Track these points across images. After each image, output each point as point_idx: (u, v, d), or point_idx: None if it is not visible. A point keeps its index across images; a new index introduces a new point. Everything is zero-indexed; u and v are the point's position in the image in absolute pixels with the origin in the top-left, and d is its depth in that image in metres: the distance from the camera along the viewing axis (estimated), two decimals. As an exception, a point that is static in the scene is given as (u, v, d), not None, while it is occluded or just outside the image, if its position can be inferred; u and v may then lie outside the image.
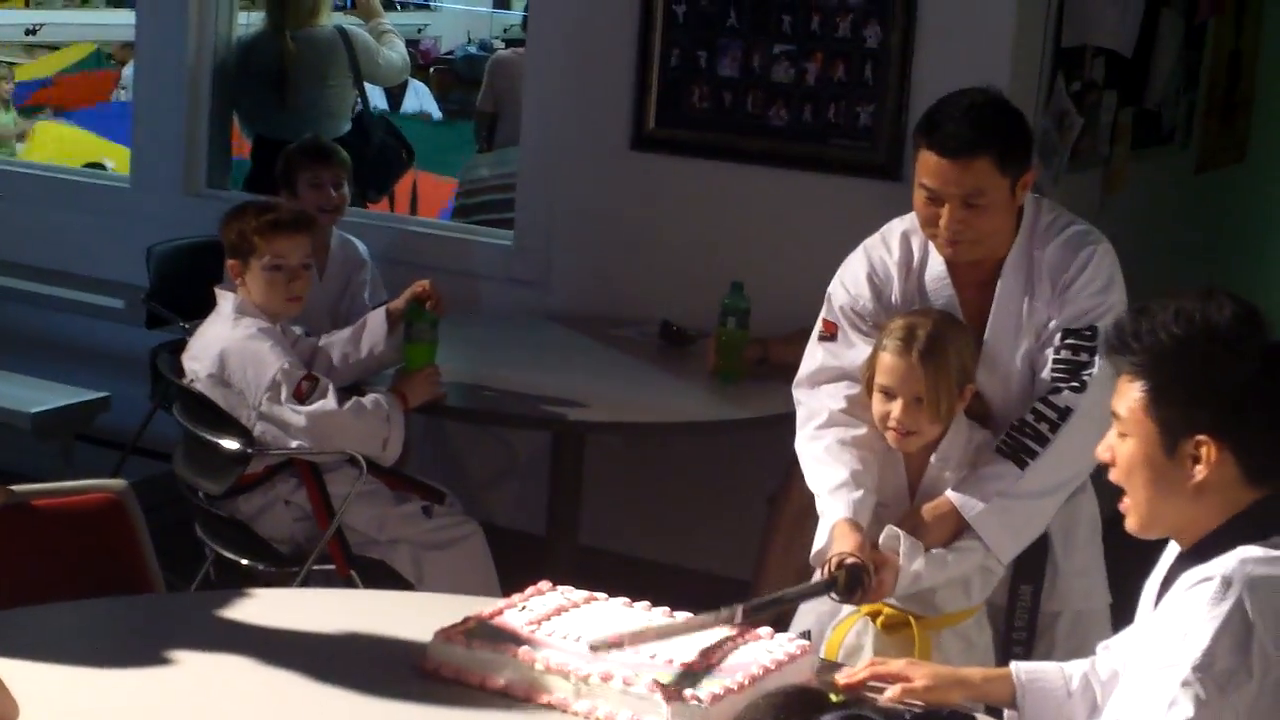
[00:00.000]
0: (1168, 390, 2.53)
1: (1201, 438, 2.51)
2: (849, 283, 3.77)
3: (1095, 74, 6.00)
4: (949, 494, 3.60)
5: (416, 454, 5.63)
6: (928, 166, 3.59)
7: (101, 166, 9.89)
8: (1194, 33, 6.76)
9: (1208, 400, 2.52)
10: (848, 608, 3.66)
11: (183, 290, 5.67)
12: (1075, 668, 2.87)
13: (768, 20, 5.72)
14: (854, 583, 3.41)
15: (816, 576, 3.63)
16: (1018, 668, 2.89)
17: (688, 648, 2.89)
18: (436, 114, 12.44)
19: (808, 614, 3.82)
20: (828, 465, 3.62)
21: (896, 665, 2.94)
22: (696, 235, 5.91)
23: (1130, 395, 2.57)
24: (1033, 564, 3.76)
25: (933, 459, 3.64)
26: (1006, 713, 2.87)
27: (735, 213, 5.85)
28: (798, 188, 5.73)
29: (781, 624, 3.71)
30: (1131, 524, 2.62)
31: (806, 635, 3.60)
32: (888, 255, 3.75)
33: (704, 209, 5.90)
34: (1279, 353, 2.53)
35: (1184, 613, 2.47)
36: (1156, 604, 2.62)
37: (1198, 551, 2.54)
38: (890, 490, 3.65)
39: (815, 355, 3.80)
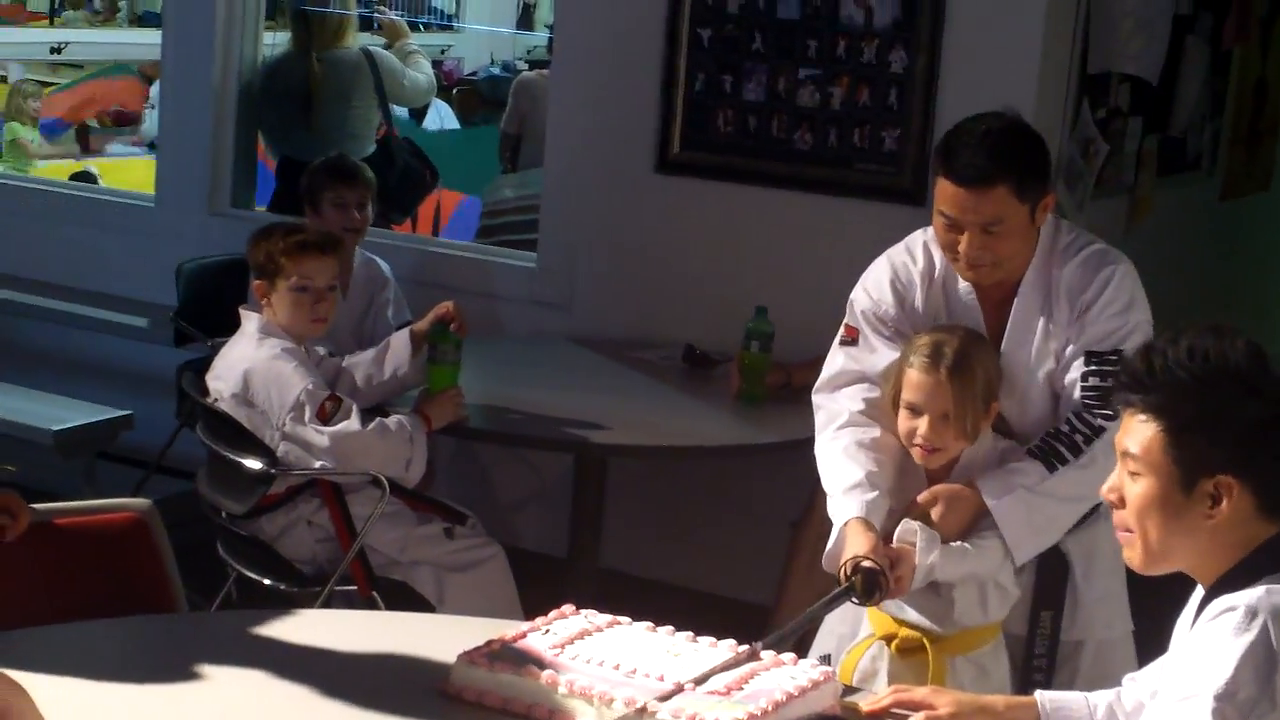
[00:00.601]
0: (1187, 430, 2.51)
1: (1223, 478, 2.50)
2: (872, 289, 3.77)
3: (1121, 101, 5.99)
4: (976, 483, 3.59)
5: (443, 477, 5.64)
6: (945, 195, 3.58)
7: (91, 178, 9.89)
8: (1219, 60, 6.75)
9: (1227, 440, 2.50)
10: (865, 631, 3.65)
11: (210, 308, 5.67)
12: (1100, 698, 2.86)
13: (793, 45, 5.72)
14: (871, 585, 3.39)
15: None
16: (1042, 696, 2.88)
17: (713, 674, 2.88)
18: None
19: (827, 637, 3.81)
20: (843, 465, 3.61)
21: (920, 693, 2.93)
22: (720, 259, 5.91)
23: (1144, 434, 2.54)
24: (1053, 590, 3.75)
25: (956, 469, 3.63)
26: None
27: (759, 237, 5.85)
28: (822, 212, 5.73)
29: (802, 647, 3.72)
30: (1136, 561, 2.61)
31: (827, 659, 3.60)
32: (911, 263, 3.75)
33: (728, 233, 5.90)
34: None
35: (1208, 642, 2.46)
36: None
37: (1222, 587, 2.53)
38: (910, 500, 3.64)
39: (836, 360, 3.79)
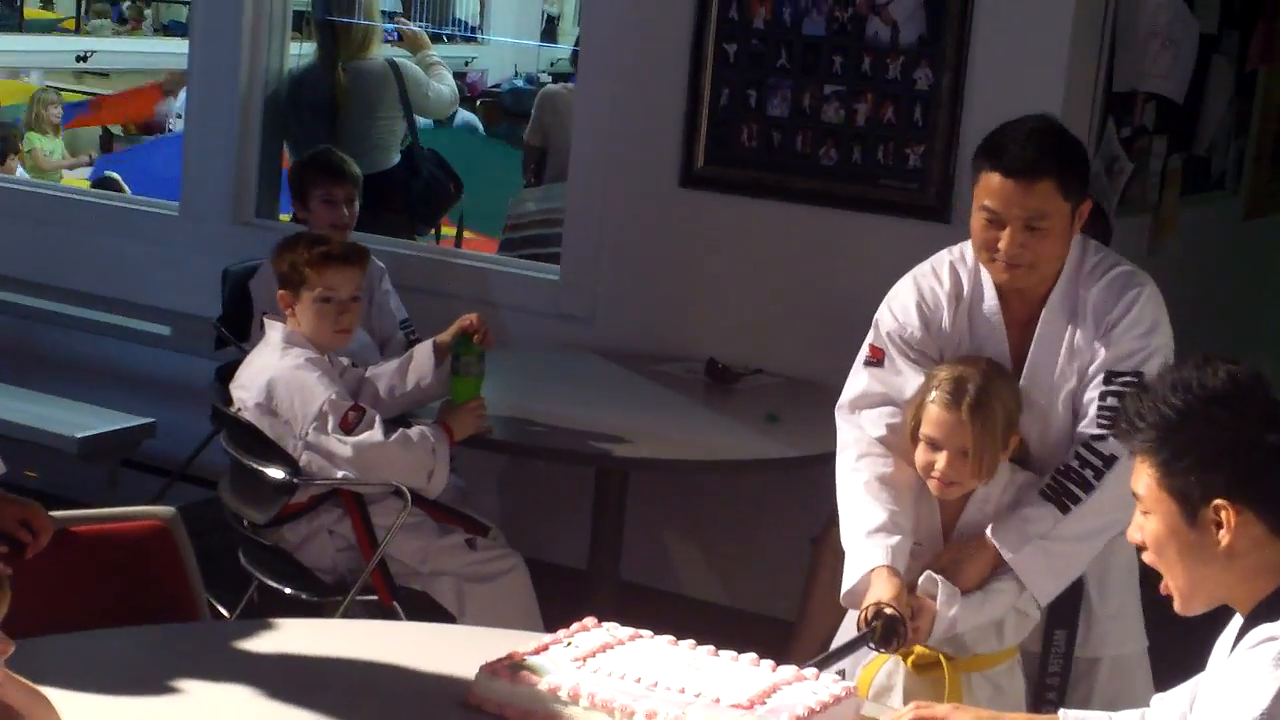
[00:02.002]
0: (1177, 461, 2.53)
1: (1219, 502, 2.51)
2: (898, 311, 3.77)
3: (1146, 119, 5.99)
4: (988, 534, 3.59)
5: (471, 489, 5.64)
6: (990, 188, 3.59)
7: (116, 186, 9.93)
8: (1245, 80, 6.75)
9: (1218, 464, 2.51)
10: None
11: (243, 314, 5.70)
12: (1124, 718, 2.85)
13: (818, 61, 5.73)
14: (890, 633, 3.40)
15: (849, 618, 3.63)
16: (1066, 716, 2.87)
17: (733, 689, 2.89)
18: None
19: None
20: (866, 505, 3.61)
21: (941, 710, 2.92)
22: (743, 273, 5.91)
23: (1144, 474, 2.57)
24: (1067, 609, 3.74)
25: (971, 500, 3.63)
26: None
27: (783, 252, 5.85)
28: (846, 228, 5.73)
29: (798, 656, 3.71)
30: (1177, 605, 2.62)
31: (843, 674, 3.60)
32: (938, 285, 3.75)
33: (751, 247, 5.90)
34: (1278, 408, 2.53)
35: (1246, 671, 2.45)
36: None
37: (1261, 615, 2.53)
38: (925, 530, 3.65)
39: (860, 380, 3.78)
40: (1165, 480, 2.54)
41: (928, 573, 3.50)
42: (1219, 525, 2.51)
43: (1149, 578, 3.72)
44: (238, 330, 5.75)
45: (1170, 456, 2.53)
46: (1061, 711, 2.89)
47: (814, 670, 3.03)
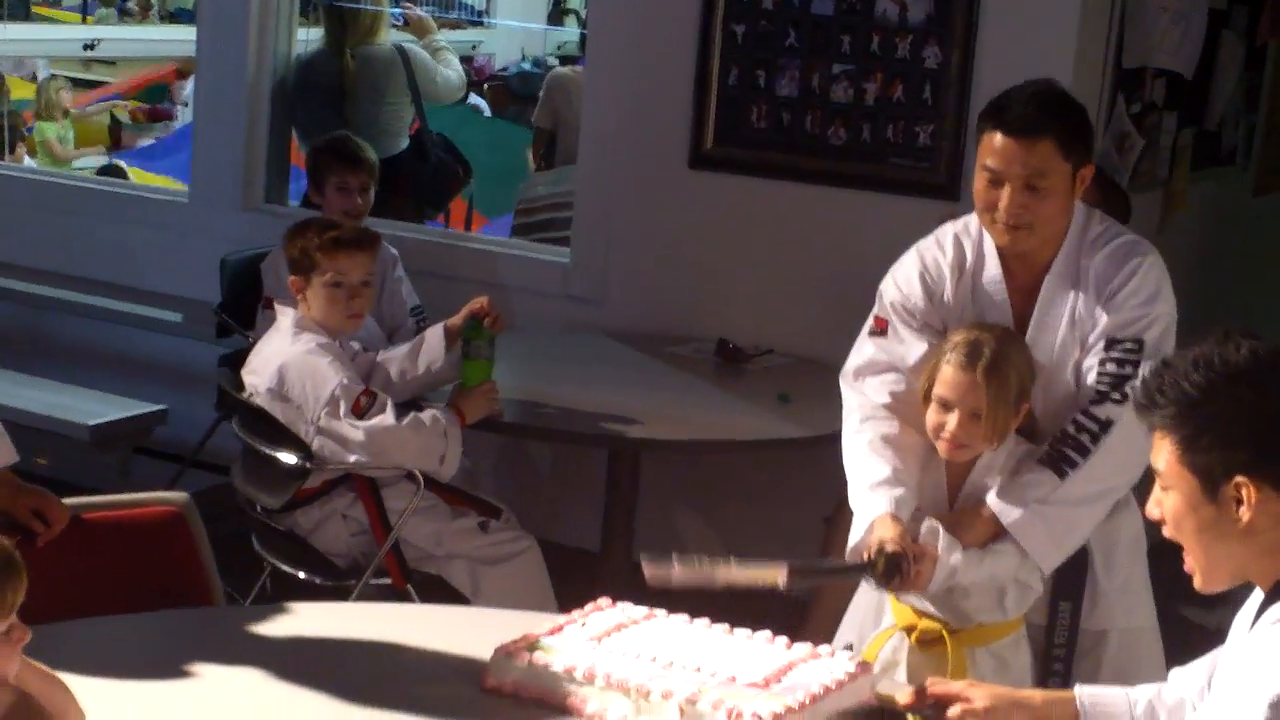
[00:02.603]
0: (1199, 438, 2.52)
1: (1240, 479, 2.49)
2: (901, 281, 3.79)
3: (1156, 95, 5.98)
4: (988, 499, 3.60)
5: (483, 472, 5.64)
6: (992, 147, 3.61)
7: (120, 173, 9.92)
8: (1254, 55, 6.73)
9: (1239, 441, 2.50)
10: (887, 621, 3.65)
11: (254, 300, 5.71)
12: (1141, 693, 2.85)
13: (827, 40, 5.72)
14: (892, 569, 3.41)
15: (859, 596, 3.64)
16: (1081, 691, 2.87)
17: (749, 667, 2.89)
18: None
19: (849, 628, 3.84)
20: (870, 460, 3.63)
21: (956, 686, 2.92)
22: (754, 254, 5.91)
23: (1165, 449, 2.56)
24: (1072, 580, 3.74)
25: (975, 467, 3.63)
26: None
27: (792, 232, 5.85)
28: (855, 207, 5.73)
29: (826, 636, 3.71)
30: (1197, 582, 2.61)
31: (849, 648, 3.61)
32: (941, 256, 3.76)
33: (761, 228, 5.90)
34: None
35: (1266, 647, 2.45)
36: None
37: None
38: (929, 497, 3.65)
39: (864, 349, 3.81)
40: (1186, 456, 2.53)
41: (929, 523, 3.51)
42: (1239, 502, 2.50)
43: (1161, 552, 3.74)
44: (240, 318, 5.75)
45: (1191, 433, 2.52)
46: (1077, 687, 2.88)
47: (801, 585, 3.07)
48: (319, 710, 2.90)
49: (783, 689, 2.83)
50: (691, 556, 3.17)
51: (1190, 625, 4.16)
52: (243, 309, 5.77)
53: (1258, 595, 2.62)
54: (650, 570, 3.09)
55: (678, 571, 3.02)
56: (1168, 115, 6.10)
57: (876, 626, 3.72)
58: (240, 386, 4.77)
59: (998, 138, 3.60)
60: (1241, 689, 2.45)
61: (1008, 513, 3.56)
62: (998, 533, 3.57)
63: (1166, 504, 2.58)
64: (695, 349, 5.72)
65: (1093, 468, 3.58)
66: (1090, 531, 3.67)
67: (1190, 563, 2.60)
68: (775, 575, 3.12)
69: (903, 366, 3.73)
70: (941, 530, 3.49)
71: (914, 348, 3.72)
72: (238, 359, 4.97)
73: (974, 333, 3.60)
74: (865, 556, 3.45)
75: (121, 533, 3.55)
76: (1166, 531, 2.60)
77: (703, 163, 5.96)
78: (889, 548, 3.42)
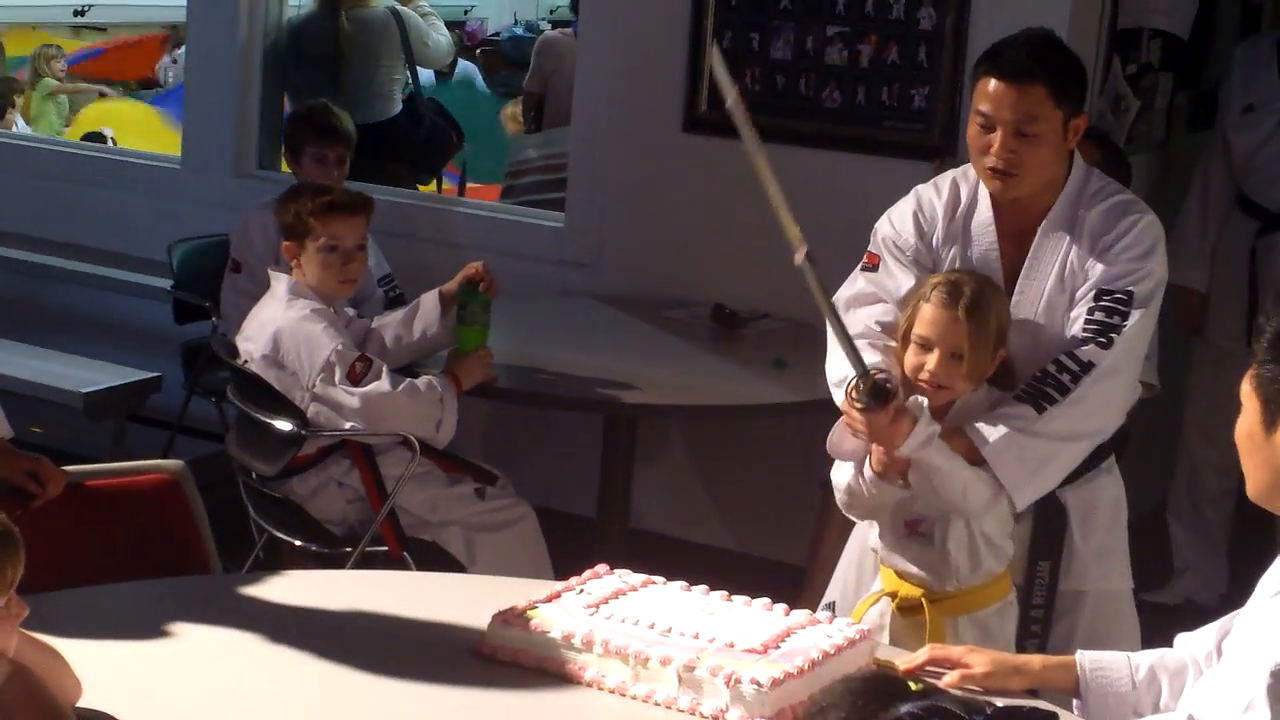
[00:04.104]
0: (1273, 368, 2.50)
1: None
2: (895, 219, 3.81)
3: (1152, 56, 5.96)
4: (965, 427, 3.57)
5: (474, 438, 5.63)
6: (984, 91, 3.62)
7: (101, 138, 9.89)
8: (1250, 16, 6.70)
9: None
10: (875, 586, 3.64)
11: (214, 283, 5.74)
12: (1143, 658, 2.84)
13: (821, 2, 5.69)
14: (879, 391, 3.37)
15: (852, 556, 3.63)
16: (1082, 656, 2.86)
17: (747, 634, 2.88)
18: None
19: (833, 586, 3.83)
20: (851, 354, 3.56)
21: (957, 651, 2.92)
22: (748, 218, 5.86)
23: (1251, 371, 2.55)
24: (1050, 540, 3.74)
25: (952, 412, 3.61)
26: (1075, 703, 2.85)
27: (788, 195, 5.81)
28: (850, 170, 5.71)
29: (811, 598, 3.70)
30: (1249, 489, 2.59)
31: (832, 607, 3.61)
32: (936, 197, 3.78)
33: (756, 191, 5.84)
34: None
35: (1276, 615, 2.43)
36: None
37: None
38: None
39: (855, 283, 3.82)
40: (1259, 381, 2.50)
41: (914, 396, 3.48)
42: None
43: (1148, 523, 3.72)
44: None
45: (1272, 361, 2.50)
46: (1078, 653, 2.87)
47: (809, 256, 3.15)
48: (315, 678, 2.89)
49: (781, 655, 2.82)
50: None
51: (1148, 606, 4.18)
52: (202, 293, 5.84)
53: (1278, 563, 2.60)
54: (722, 72, 3.31)
55: (735, 102, 3.18)
56: (1164, 77, 6.08)
57: (862, 588, 3.72)
58: (235, 353, 4.75)
59: (990, 82, 3.62)
60: (1248, 657, 2.43)
61: (983, 439, 3.54)
62: (973, 461, 3.55)
63: (1239, 423, 2.56)
64: (691, 313, 5.71)
65: (1071, 405, 3.56)
66: (1063, 474, 3.65)
67: (1245, 472, 2.58)
68: (798, 247, 3.24)
69: (891, 299, 3.73)
70: (924, 408, 3.46)
71: (904, 281, 3.73)
72: (202, 345, 4.93)
73: (954, 275, 3.61)
74: (851, 389, 3.40)
75: (117, 501, 3.54)
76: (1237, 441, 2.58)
77: (697, 126, 5.94)
78: (879, 375, 3.40)
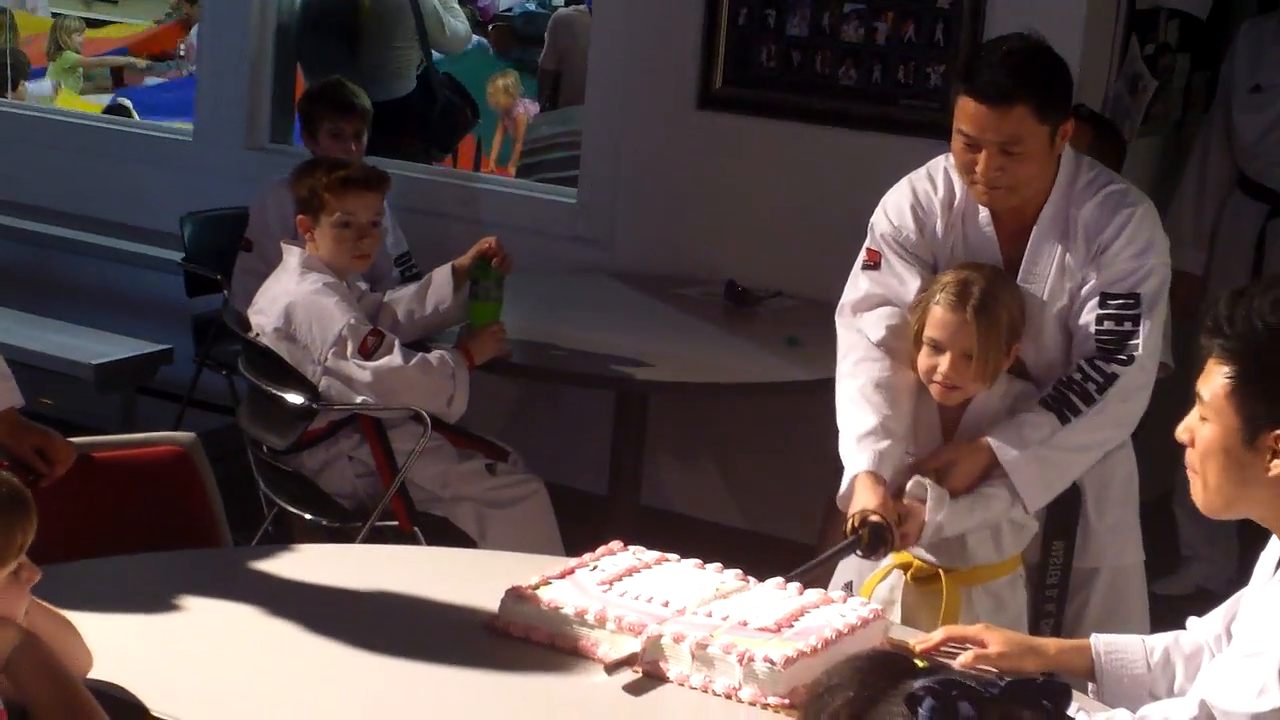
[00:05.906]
0: (1254, 380, 2.44)
1: None
2: (892, 213, 3.76)
3: (1169, 37, 5.93)
4: (988, 438, 3.57)
5: (486, 413, 5.62)
6: (966, 113, 3.56)
7: (125, 111, 9.88)
8: (1267, -4, 6.68)
9: None
10: (885, 560, 3.64)
11: (225, 256, 5.73)
12: (1157, 641, 2.83)
13: (838, -22, 5.67)
14: (877, 540, 3.40)
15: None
16: (1097, 640, 2.85)
17: (760, 612, 2.87)
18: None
19: (848, 567, 3.81)
20: (858, 408, 3.60)
21: (972, 630, 2.91)
22: (762, 195, 5.87)
23: (1216, 380, 2.47)
24: (1065, 519, 3.75)
25: (971, 406, 3.61)
26: (1091, 686, 2.84)
27: (801, 173, 5.81)
28: (866, 148, 5.68)
29: (825, 577, 3.70)
30: (1199, 503, 2.56)
31: (849, 587, 3.60)
32: (931, 190, 3.74)
33: (770, 169, 5.86)
34: None
35: None
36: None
37: None
38: (925, 434, 3.64)
39: (859, 283, 3.78)
40: (1235, 394, 2.44)
41: (916, 477, 3.49)
42: (1274, 454, 2.43)
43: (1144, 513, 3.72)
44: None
45: (1247, 373, 2.43)
46: (1093, 636, 2.86)
47: (797, 582, 3.03)
48: (325, 652, 2.88)
49: (794, 634, 2.81)
50: None
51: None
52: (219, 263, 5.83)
53: (1275, 543, 2.59)
54: None
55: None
56: (1181, 57, 6.05)
57: (874, 565, 3.71)
58: (247, 326, 4.74)
59: (970, 104, 3.55)
60: (1258, 642, 2.42)
61: (1006, 450, 3.54)
62: (990, 469, 3.55)
63: (1200, 433, 2.50)
64: (703, 291, 5.69)
65: (1094, 417, 3.57)
66: (1074, 479, 3.67)
67: (1197, 485, 2.53)
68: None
69: (898, 300, 3.70)
70: (930, 485, 3.47)
71: (908, 281, 3.70)
72: (215, 316, 4.93)
73: (964, 273, 3.58)
74: (849, 529, 3.43)
75: (128, 473, 3.53)
76: (1190, 457, 2.54)
77: (711, 103, 5.91)
78: (872, 518, 3.40)
